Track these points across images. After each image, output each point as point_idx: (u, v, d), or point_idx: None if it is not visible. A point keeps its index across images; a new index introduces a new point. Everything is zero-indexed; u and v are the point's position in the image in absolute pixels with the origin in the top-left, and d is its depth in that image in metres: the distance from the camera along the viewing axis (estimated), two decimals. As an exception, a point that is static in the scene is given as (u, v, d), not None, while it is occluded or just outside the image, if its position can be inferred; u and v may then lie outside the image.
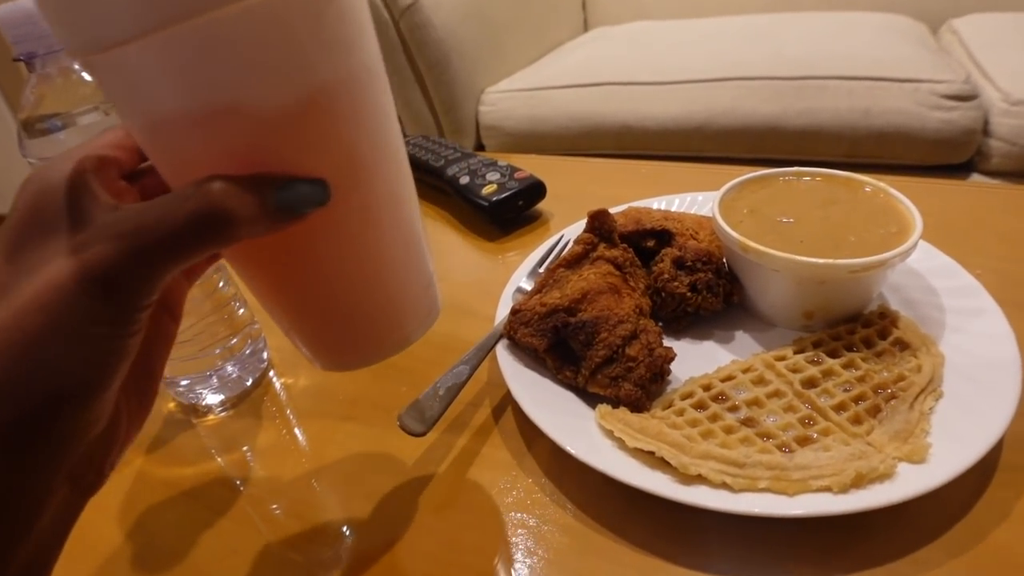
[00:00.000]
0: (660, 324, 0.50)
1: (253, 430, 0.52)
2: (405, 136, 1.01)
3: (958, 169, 1.22)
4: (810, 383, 0.44)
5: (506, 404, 0.49)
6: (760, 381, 0.45)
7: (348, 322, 0.31)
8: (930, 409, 0.41)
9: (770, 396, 0.43)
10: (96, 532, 0.45)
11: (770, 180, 0.56)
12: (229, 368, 0.54)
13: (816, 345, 0.47)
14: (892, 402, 0.42)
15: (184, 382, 0.53)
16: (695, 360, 0.48)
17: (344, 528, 0.43)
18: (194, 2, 0.21)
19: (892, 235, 0.48)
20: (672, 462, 0.38)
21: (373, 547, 0.41)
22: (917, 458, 0.38)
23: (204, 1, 0.21)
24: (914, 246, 0.46)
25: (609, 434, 0.42)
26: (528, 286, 0.56)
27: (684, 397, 0.44)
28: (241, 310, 0.55)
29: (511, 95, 1.49)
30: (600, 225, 0.51)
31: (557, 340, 0.46)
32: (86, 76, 0.44)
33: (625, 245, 0.52)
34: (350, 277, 0.29)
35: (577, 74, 1.47)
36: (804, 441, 0.40)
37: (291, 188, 0.24)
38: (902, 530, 0.37)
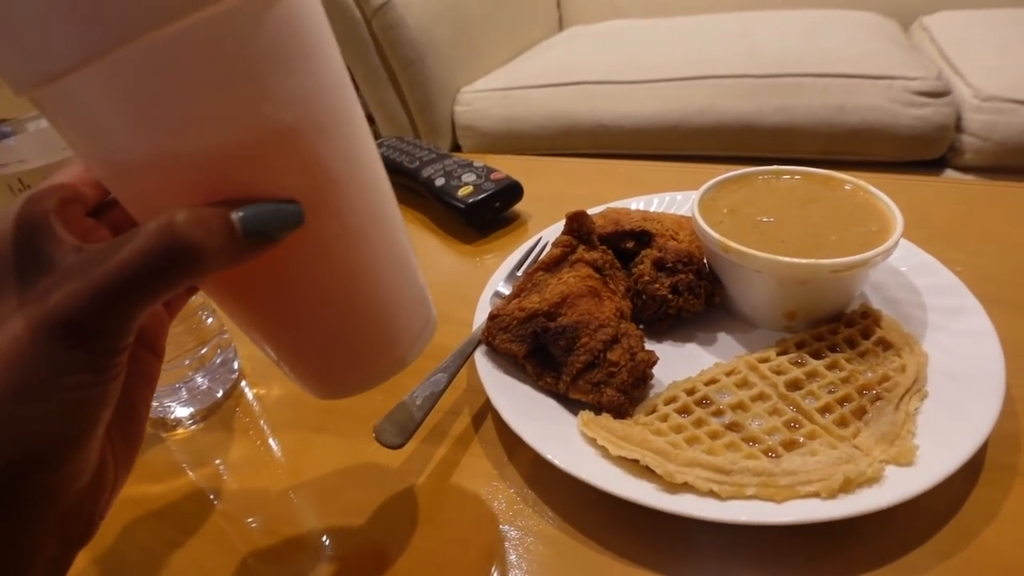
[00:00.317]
0: (641, 327, 0.49)
1: (225, 443, 0.50)
2: (378, 138, 0.99)
3: (931, 165, 1.23)
4: (794, 385, 0.43)
5: (486, 412, 0.48)
6: (744, 384, 0.44)
7: (336, 349, 0.29)
8: (915, 410, 0.41)
9: (755, 399, 0.43)
10: (58, 556, 0.43)
11: (749, 179, 0.55)
12: (199, 379, 0.53)
13: (799, 346, 0.46)
14: (877, 403, 0.41)
15: (151, 395, 0.51)
16: (677, 363, 0.47)
17: (321, 544, 0.41)
18: (130, 24, 0.20)
19: (873, 233, 0.48)
20: (657, 470, 0.37)
21: (351, 564, 0.40)
22: (904, 460, 0.37)
23: (141, 22, 0.20)
24: (895, 244, 0.46)
25: (592, 442, 0.40)
26: (506, 290, 0.55)
27: (668, 402, 0.43)
28: (209, 319, 0.53)
29: (487, 94, 1.48)
30: (579, 227, 0.50)
31: (537, 346, 0.45)
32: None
33: (604, 247, 0.51)
34: (337, 301, 0.28)
35: (553, 73, 1.46)
36: (790, 445, 0.39)
37: (259, 212, 0.23)
38: (890, 534, 0.37)
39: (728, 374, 0.45)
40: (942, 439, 0.38)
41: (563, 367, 0.44)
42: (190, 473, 0.48)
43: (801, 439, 0.40)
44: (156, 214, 0.22)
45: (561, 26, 2.03)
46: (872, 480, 0.36)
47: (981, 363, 0.43)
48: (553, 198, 0.76)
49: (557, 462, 0.39)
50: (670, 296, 0.49)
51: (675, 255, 0.50)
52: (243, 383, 0.56)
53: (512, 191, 0.72)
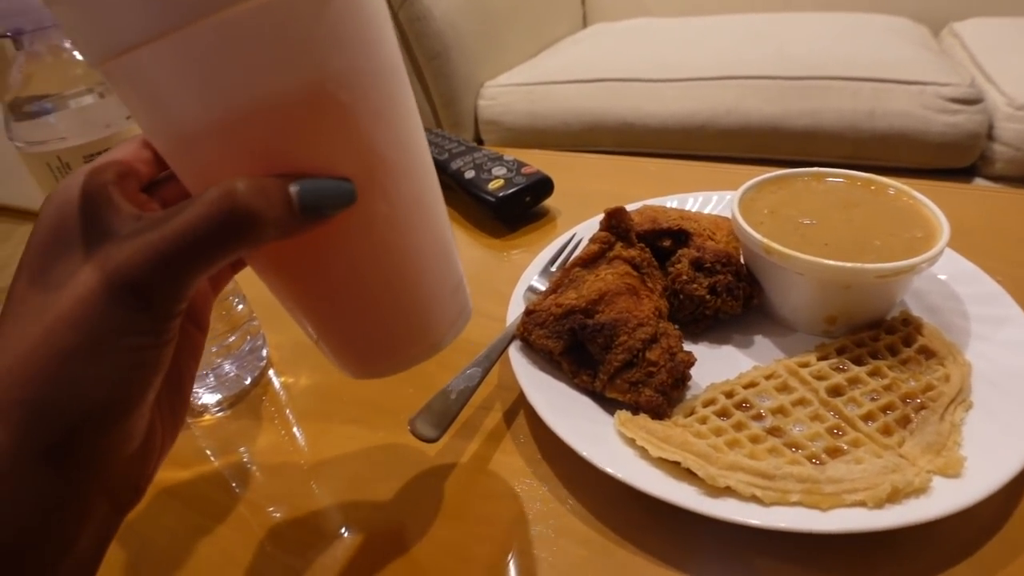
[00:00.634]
0: (677, 327, 0.48)
1: (251, 431, 0.50)
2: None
3: (960, 173, 1.21)
4: (836, 391, 0.43)
5: (518, 408, 0.47)
6: (784, 388, 0.43)
7: (375, 330, 0.30)
8: (961, 420, 0.40)
9: (795, 404, 0.42)
10: (86, 538, 0.42)
11: (789, 180, 0.54)
12: (227, 366, 0.52)
13: (840, 351, 0.46)
14: (922, 412, 0.40)
15: (179, 380, 0.51)
16: (714, 365, 0.46)
17: (347, 536, 0.41)
18: (204, 2, 0.21)
19: (918, 239, 0.47)
20: (699, 473, 0.36)
21: (378, 558, 0.39)
22: (952, 472, 0.36)
23: (215, 1, 0.21)
24: (942, 251, 0.45)
25: (630, 442, 0.40)
26: (540, 285, 0.54)
27: (706, 404, 0.42)
28: (240, 306, 0.53)
29: (511, 89, 1.47)
30: (617, 223, 0.49)
31: (573, 343, 0.44)
32: (78, 55, 0.41)
33: (642, 245, 0.50)
34: (378, 282, 0.28)
35: (578, 69, 1.45)
36: (834, 452, 0.39)
37: (315, 187, 0.24)
38: (932, 546, 0.36)
39: (767, 377, 0.44)
40: (988, 451, 0.37)
41: (600, 365, 0.43)
42: (217, 460, 0.48)
43: (844, 446, 0.39)
44: (213, 184, 0.23)
45: (585, 23, 2.02)
46: (919, 491, 0.35)
47: (1026, 374, 0.42)
48: (582, 194, 0.76)
49: (595, 461, 0.38)
50: (708, 297, 0.48)
51: (713, 255, 0.49)
52: (271, 371, 0.55)
53: (543, 186, 0.71)
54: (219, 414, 0.51)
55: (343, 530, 0.41)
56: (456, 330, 0.32)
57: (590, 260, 0.48)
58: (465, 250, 0.70)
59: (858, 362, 0.44)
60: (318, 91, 0.23)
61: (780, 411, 0.41)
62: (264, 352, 0.56)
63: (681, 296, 0.49)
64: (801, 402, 0.42)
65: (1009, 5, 1.53)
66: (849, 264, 0.44)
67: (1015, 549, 0.35)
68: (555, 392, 0.44)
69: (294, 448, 0.48)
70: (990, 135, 1.17)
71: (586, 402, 0.44)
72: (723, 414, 0.42)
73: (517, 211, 0.71)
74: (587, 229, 0.60)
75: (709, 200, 0.65)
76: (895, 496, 0.35)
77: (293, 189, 0.23)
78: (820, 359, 0.45)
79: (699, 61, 1.36)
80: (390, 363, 0.31)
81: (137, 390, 0.24)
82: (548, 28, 1.80)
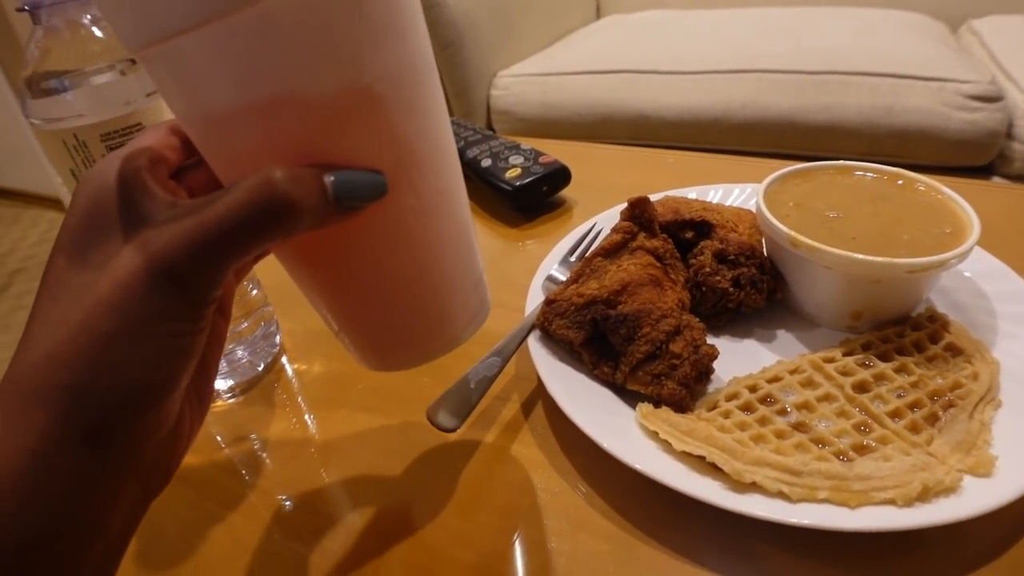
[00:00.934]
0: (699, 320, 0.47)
1: (264, 418, 0.49)
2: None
3: (977, 171, 1.20)
4: (862, 387, 0.42)
5: (536, 399, 0.47)
6: (809, 384, 0.42)
7: (397, 322, 0.30)
8: (990, 419, 0.39)
9: (820, 400, 0.41)
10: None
11: (815, 173, 0.54)
12: (239, 352, 0.52)
13: (865, 347, 0.45)
14: (950, 410, 0.40)
15: (192, 365, 0.50)
16: (736, 359, 0.45)
17: (360, 526, 0.40)
18: None
19: (947, 235, 0.46)
20: (725, 468, 0.36)
21: (391, 547, 0.38)
22: (983, 471, 0.35)
23: None
24: (972, 248, 0.44)
25: (652, 435, 0.39)
26: (560, 275, 0.53)
27: (729, 398, 0.42)
28: (254, 291, 0.52)
29: (524, 79, 1.46)
30: (640, 213, 0.48)
31: (594, 333, 0.43)
32: (97, 31, 0.40)
33: (665, 235, 0.49)
34: (402, 275, 0.28)
35: (593, 60, 1.43)
36: (861, 449, 0.38)
37: (349, 179, 0.24)
38: (962, 545, 0.35)
39: (792, 372, 0.43)
40: (1019, 450, 0.37)
41: (622, 356, 0.42)
42: (228, 446, 0.47)
43: (872, 443, 0.38)
44: (246, 175, 0.22)
45: (599, 14, 2.01)
46: (949, 490, 0.35)
47: (1056, 373, 0.41)
48: (599, 185, 0.75)
49: (617, 453, 0.37)
50: (731, 289, 0.47)
51: (737, 247, 0.48)
52: (284, 358, 0.55)
53: (560, 175, 0.70)
54: (231, 400, 0.51)
55: (354, 516, 0.41)
56: (476, 325, 0.32)
57: (612, 250, 0.48)
58: (480, 239, 0.68)
59: (884, 358, 0.44)
60: (355, 83, 0.23)
61: (805, 406, 0.41)
62: (277, 339, 0.55)
63: (704, 288, 0.48)
64: (826, 398, 0.41)
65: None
66: (880, 258, 0.43)
67: (1046, 551, 0.35)
68: (574, 383, 0.44)
69: (306, 436, 0.47)
70: (1009, 133, 1.15)
71: (606, 394, 0.43)
72: (747, 408, 0.41)
73: (534, 200, 0.70)
74: (606, 220, 0.59)
75: (730, 192, 0.64)
76: (925, 495, 0.34)
77: (328, 179, 0.23)
78: (845, 355, 0.44)
79: (715, 54, 1.35)
80: (409, 356, 0.31)
81: (173, 375, 0.24)
82: (562, 19, 1.78)
